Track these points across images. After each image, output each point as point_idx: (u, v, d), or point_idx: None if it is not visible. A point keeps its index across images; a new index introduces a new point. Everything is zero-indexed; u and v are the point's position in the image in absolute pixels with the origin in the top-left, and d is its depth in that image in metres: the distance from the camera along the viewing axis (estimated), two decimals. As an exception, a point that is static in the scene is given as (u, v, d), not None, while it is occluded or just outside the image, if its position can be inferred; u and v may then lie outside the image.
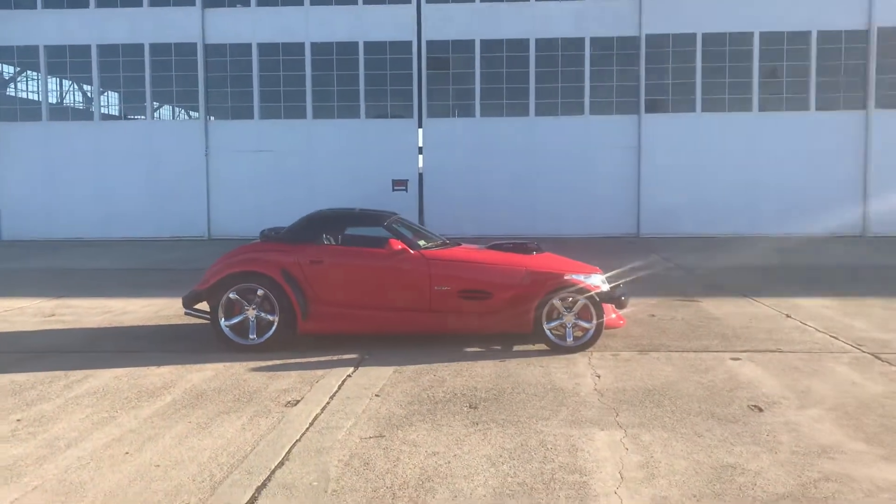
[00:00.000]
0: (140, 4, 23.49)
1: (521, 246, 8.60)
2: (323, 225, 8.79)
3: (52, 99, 24.84)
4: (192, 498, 4.36)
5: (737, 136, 22.87)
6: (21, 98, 24.98)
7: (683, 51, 22.98)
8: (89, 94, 25.55)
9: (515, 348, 8.00)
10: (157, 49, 23.65)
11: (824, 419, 5.63)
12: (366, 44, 23.62)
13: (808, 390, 6.38)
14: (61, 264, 17.05)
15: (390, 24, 23.52)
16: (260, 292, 7.99)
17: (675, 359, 7.47)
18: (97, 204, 23.58)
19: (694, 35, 22.88)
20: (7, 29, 23.65)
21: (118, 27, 23.48)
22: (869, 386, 6.50)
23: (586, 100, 23.38)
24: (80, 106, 26.01)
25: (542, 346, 7.93)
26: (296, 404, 6.12)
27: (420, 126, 23.79)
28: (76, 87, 26.14)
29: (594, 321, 7.84)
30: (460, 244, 8.85)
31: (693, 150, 22.99)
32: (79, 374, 7.14)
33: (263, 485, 4.53)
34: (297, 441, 5.27)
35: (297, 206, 21.88)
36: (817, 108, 22.81)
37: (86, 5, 23.53)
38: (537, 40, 23.32)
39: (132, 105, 25.19)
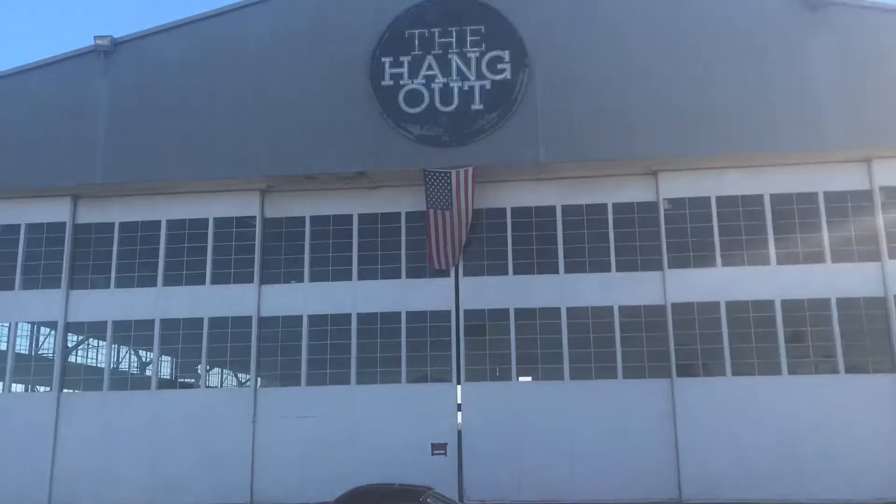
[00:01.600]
0: (203, 283, 25.76)
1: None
2: (364, 501, 9.48)
3: (112, 364, 26.47)
4: None
5: (769, 399, 23.21)
6: (84, 366, 26.75)
7: (709, 318, 24.11)
8: (145, 360, 27.33)
9: None
10: (214, 322, 25.51)
11: None
12: (408, 313, 25.27)
13: None
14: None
15: (430, 296, 25.25)
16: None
17: None
18: (147, 470, 24.26)
19: (717, 303, 24.14)
20: (81, 306, 25.90)
21: (181, 303, 25.58)
22: None
23: (618, 364, 24.26)
24: (136, 371, 27.64)
25: None
26: None
27: (459, 388, 24.66)
28: (135, 355, 27.95)
29: None
30: (491, 525, 9.38)
31: (728, 414, 23.26)
32: None
33: None
34: None
35: (340, 469, 22.66)
36: (846, 371, 23.34)
37: (153, 284, 25.88)
38: (568, 309, 24.74)
39: (187, 373, 26.75)
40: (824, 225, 24.17)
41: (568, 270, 25.05)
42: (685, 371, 24.03)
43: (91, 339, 27.08)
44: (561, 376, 24.45)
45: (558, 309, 24.86)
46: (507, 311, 25.09)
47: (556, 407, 24.11)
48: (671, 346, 24.01)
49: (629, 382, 24.12)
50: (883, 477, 22.38)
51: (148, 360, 26.92)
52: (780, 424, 23.04)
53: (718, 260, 24.41)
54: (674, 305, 24.28)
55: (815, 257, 24.08)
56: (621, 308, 24.63)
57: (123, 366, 27.61)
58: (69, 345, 26.40)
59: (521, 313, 25.00)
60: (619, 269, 24.85)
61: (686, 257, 24.62)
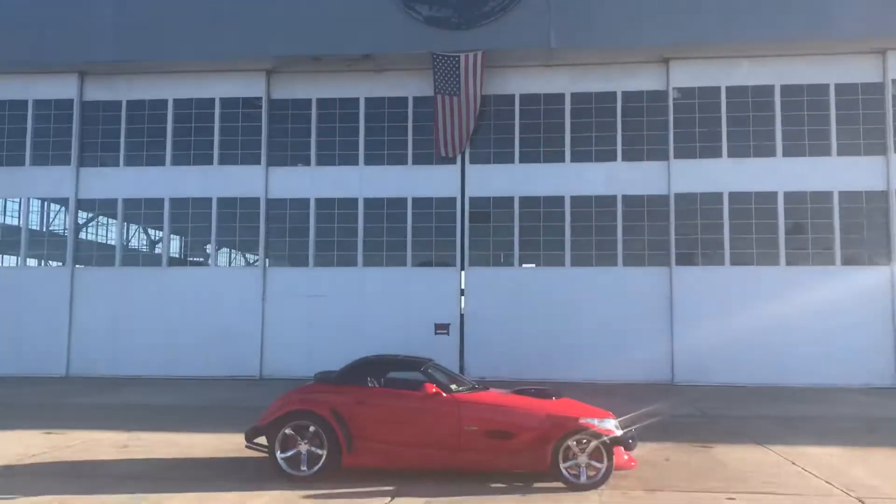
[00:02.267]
0: (211, 163, 25.98)
1: (543, 392, 9.69)
2: (368, 369, 10.05)
3: (123, 242, 27.05)
4: None
5: (766, 289, 23.73)
6: (97, 243, 27.34)
7: (711, 208, 24.37)
8: (155, 239, 27.90)
9: (535, 485, 8.93)
10: (223, 202, 25.89)
11: (796, 551, 6.47)
12: (414, 199, 25.54)
13: (789, 527, 7.21)
14: (129, 400, 18.50)
15: (436, 182, 25.44)
16: (312, 429, 9.16)
17: (677, 498, 8.34)
18: (159, 344, 25.11)
19: (721, 194, 24.32)
20: (92, 183, 26.23)
21: (190, 183, 25.88)
22: (847, 525, 7.30)
23: (619, 252, 24.70)
24: (147, 249, 28.26)
25: (560, 484, 8.84)
26: (340, 526, 7.14)
27: (462, 273, 25.23)
28: (146, 233, 28.50)
29: (605, 462, 8.79)
30: (489, 389, 9.97)
31: (724, 302, 23.81)
32: (155, 496, 8.28)
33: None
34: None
35: (346, 347, 23.12)
36: (843, 263, 23.78)
37: (162, 163, 26.09)
38: (572, 197, 24.98)
39: (197, 251, 27.34)
40: (833, 117, 24.03)
41: (574, 159, 25.13)
42: (684, 260, 24.48)
43: (101, 217, 27.55)
44: (563, 263, 24.93)
45: (562, 197, 25.09)
46: (511, 199, 25.33)
47: (557, 293, 24.67)
48: (672, 235, 24.34)
49: (629, 270, 24.62)
50: (873, 365, 23.14)
51: (158, 238, 27.46)
52: (774, 313, 23.51)
53: (725, 151, 24.41)
54: (677, 195, 24.47)
55: (822, 150, 24.06)
56: (625, 197, 24.85)
57: (134, 243, 28.18)
58: (80, 221, 26.86)
59: (526, 201, 25.25)
60: (624, 159, 24.92)
61: (692, 148, 24.62)
